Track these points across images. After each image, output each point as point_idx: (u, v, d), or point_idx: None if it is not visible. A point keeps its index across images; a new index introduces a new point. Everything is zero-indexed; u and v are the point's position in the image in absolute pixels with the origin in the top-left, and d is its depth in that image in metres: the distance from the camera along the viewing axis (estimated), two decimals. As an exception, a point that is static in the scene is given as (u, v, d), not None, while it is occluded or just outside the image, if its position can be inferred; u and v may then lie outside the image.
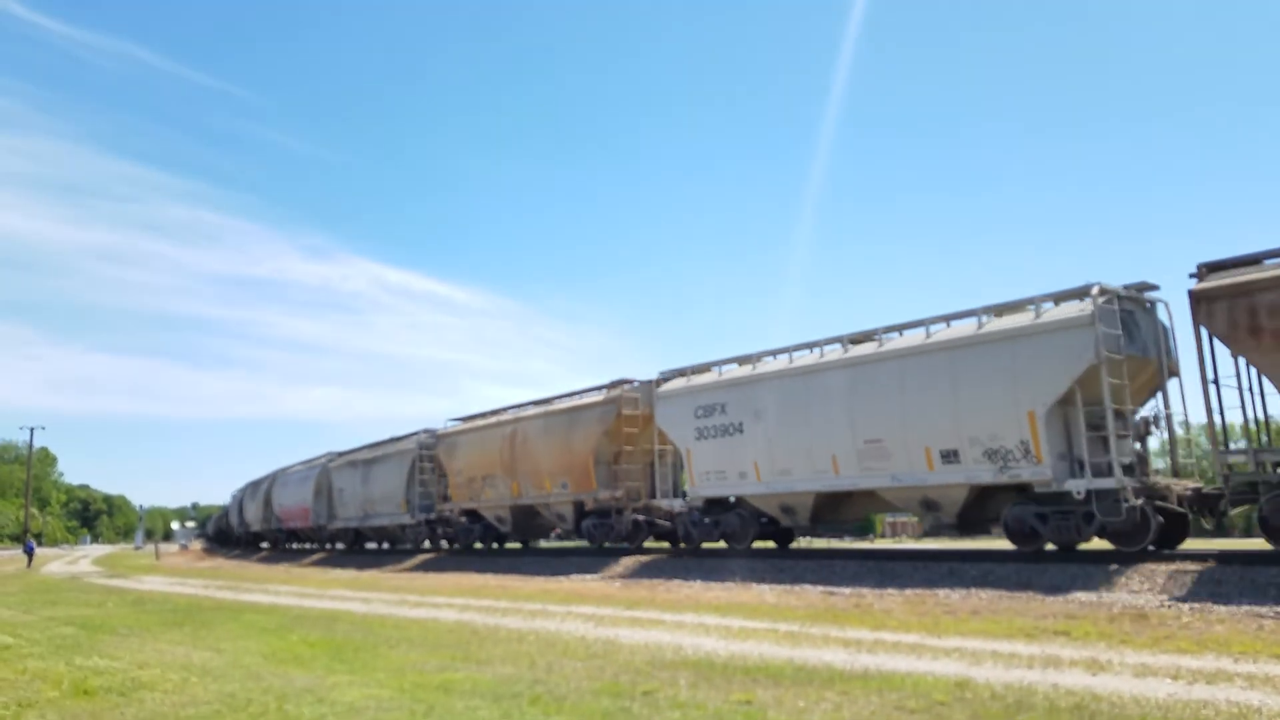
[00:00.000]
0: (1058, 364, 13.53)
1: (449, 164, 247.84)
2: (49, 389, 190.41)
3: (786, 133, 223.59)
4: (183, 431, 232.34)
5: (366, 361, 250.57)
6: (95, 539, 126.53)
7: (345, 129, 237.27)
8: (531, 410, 24.61)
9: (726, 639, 9.19)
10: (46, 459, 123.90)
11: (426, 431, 30.07)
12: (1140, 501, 13.08)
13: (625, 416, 21.00)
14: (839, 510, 17.62)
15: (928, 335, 15.41)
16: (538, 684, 6.95)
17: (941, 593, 12.47)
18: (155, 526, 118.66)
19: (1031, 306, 14.30)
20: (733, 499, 18.80)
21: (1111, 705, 5.61)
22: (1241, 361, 12.76)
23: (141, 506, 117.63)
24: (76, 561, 49.46)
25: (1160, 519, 13.11)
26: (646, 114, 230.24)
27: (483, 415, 27.37)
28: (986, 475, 14.39)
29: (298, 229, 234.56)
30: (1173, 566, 12.20)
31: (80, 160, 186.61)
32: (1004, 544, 15.63)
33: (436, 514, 28.89)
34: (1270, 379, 12.44)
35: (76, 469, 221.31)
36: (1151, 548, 13.30)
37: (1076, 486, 13.55)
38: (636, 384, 21.60)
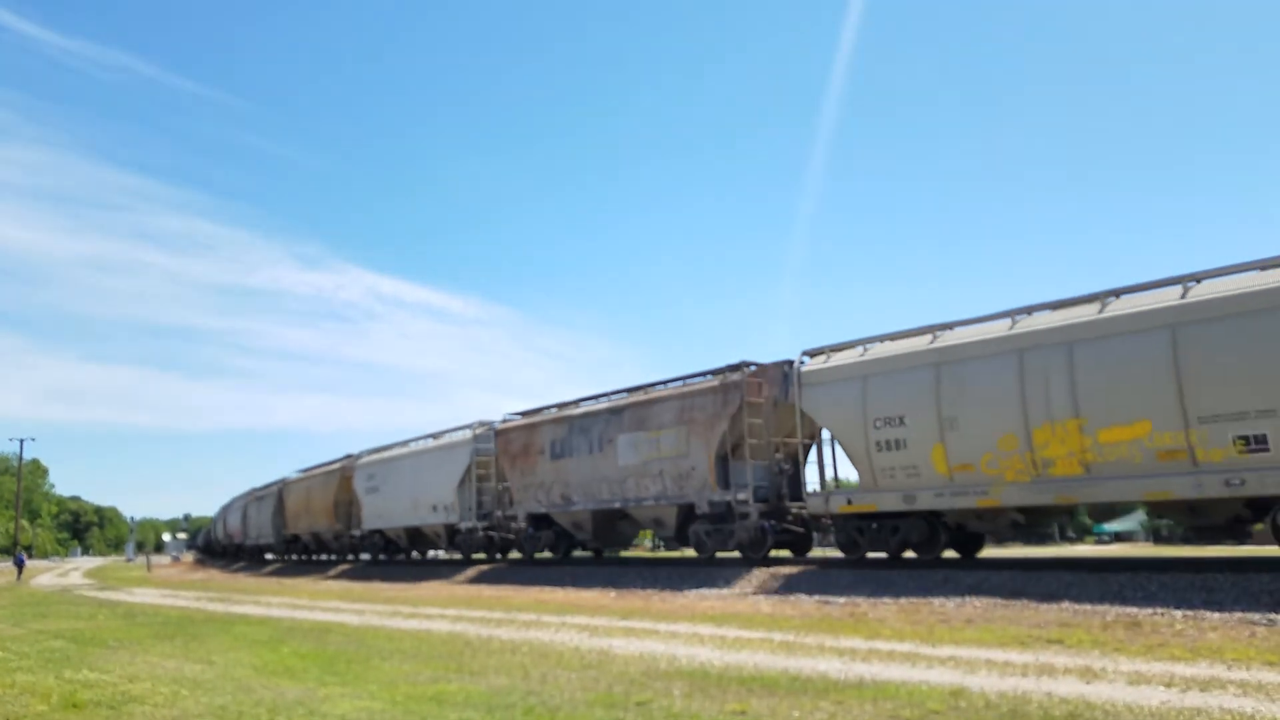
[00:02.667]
0: (458, 462, 27.09)
1: (444, 173, 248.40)
2: (40, 400, 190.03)
3: (786, 132, 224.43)
4: (175, 442, 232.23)
5: (361, 370, 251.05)
6: (86, 551, 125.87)
7: (340, 138, 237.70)
8: (317, 472, 39.34)
9: (721, 649, 9.17)
10: (37, 470, 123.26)
11: (283, 479, 43.57)
12: (484, 531, 26.43)
13: (345, 479, 34.99)
14: (419, 539, 31.10)
15: (436, 440, 29.31)
16: (531, 695, 6.92)
17: (936, 601, 12.46)
18: (146, 538, 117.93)
19: (461, 429, 27.96)
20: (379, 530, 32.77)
21: (1105, 713, 5.61)
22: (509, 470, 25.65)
23: (133, 518, 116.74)
24: (67, 574, 49.17)
25: (498, 540, 26.57)
26: (642, 118, 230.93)
27: (307, 470, 41.22)
28: (444, 519, 27.83)
29: (292, 238, 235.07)
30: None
31: (73, 170, 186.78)
32: (992, 553, 16.45)
33: (284, 537, 42.67)
34: (509, 480, 25.19)
35: (67, 481, 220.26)
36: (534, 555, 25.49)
37: (463, 524, 26.93)
38: (354, 457, 35.22)
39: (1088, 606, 11.10)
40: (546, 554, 24.72)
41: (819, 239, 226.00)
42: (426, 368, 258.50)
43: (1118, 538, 57.68)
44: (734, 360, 19.23)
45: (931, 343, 15.74)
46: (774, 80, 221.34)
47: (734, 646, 9.29)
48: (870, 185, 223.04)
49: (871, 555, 16.79)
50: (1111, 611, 10.56)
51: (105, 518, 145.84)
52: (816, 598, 13.84)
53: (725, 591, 16.02)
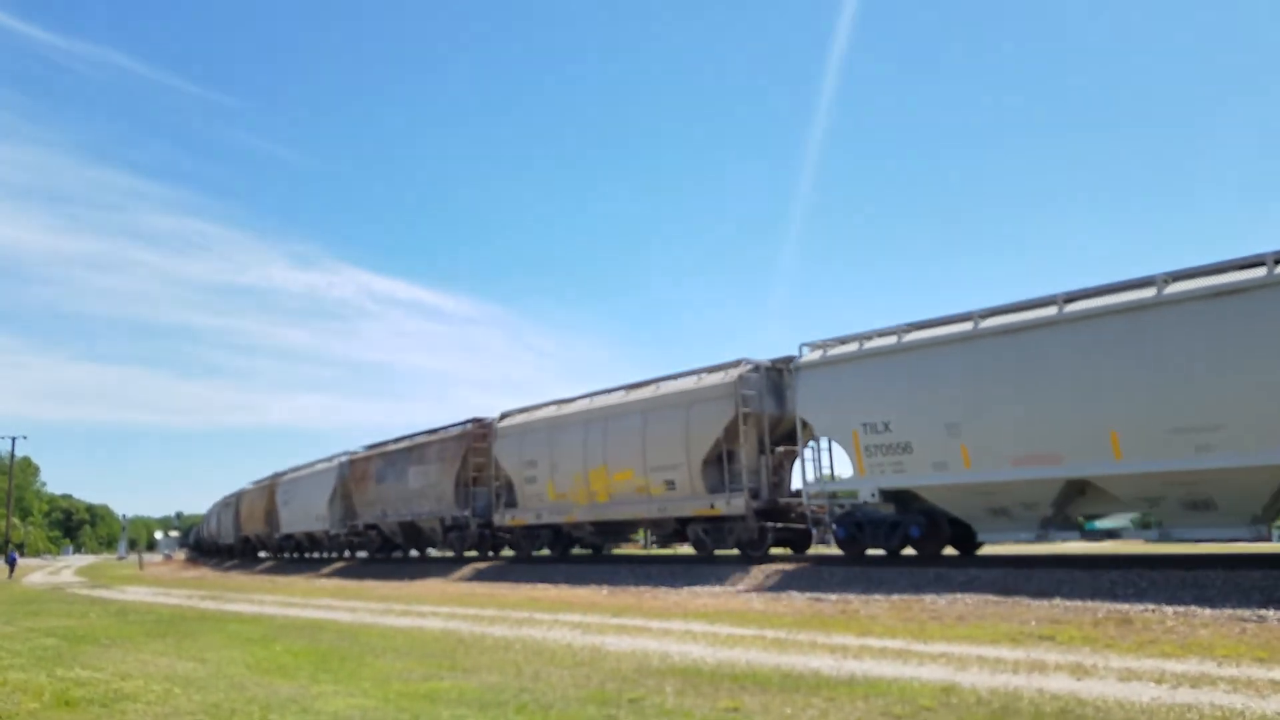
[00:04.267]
0: (330, 483, 34.94)
1: (437, 172, 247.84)
2: (32, 398, 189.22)
3: (777, 135, 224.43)
4: (167, 440, 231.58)
5: (354, 369, 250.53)
6: (78, 549, 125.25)
7: (333, 137, 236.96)
8: (258, 486, 47.02)
9: (713, 646, 9.18)
10: (29, 468, 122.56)
11: (240, 490, 51.70)
12: (345, 537, 34.41)
13: (271, 493, 43.03)
14: (313, 541, 38.82)
15: (321, 465, 37.30)
16: (524, 692, 6.92)
17: (928, 598, 12.49)
18: (139, 536, 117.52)
19: (333, 458, 36.05)
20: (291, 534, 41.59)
21: (1096, 710, 5.63)
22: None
23: (125, 516, 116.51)
24: (59, 572, 48.96)
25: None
26: (636, 120, 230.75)
27: (256, 482, 48.36)
28: (323, 527, 35.40)
29: (285, 237, 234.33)
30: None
31: (66, 169, 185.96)
32: (992, 550, 16.76)
33: (240, 537, 50.06)
34: (354, 498, 32.76)
35: (59, 478, 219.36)
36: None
37: (333, 531, 34.62)
38: (279, 475, 43.28)
39: (1079, 603, 11.14)
40: (440, 552, 31.61)
41: (813, 237, 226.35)
42: (420, 366, 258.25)
43: (1109, 535, 57.68)
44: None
45: (555, 412, 23.50)
46: (768, 79, 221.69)
47: (726, 644, 9.31)
48: (863, 181, 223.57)
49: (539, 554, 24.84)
50: (1103, 608, 10.60)
51: (97, 516, 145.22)
52: (808, 595, 13.87)
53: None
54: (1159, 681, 6.41)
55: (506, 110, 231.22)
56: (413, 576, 24.76)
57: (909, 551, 16.51)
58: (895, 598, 12.77)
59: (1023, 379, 13.67)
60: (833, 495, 16.98)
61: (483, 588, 19.73)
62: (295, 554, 42.62)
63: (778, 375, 18.57)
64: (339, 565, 33.74)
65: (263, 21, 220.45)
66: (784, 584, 15.34)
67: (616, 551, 26.35)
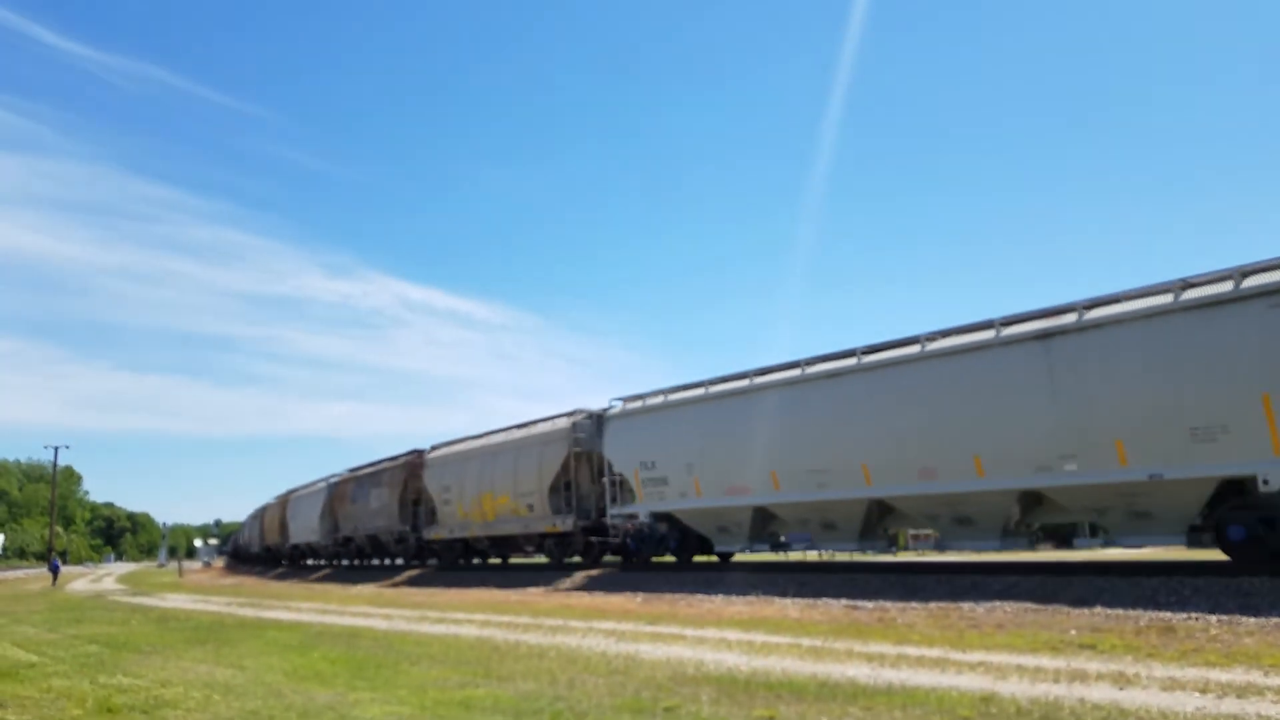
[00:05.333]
0: (319, 501, 40.39)
1: (468, 179, 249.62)
2: (74, 408, 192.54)
3: (800, 132, 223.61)
4: (206, 449, 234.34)
5: (387, 377, 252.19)
6: (119, 557, 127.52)
7: (366, 147, 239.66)
8: (276, 501, 52.74)
9: (749, 654, 9.13)
10: (71, 477, 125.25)
11: (264, 504, 57.11)
12: (332, 547, 40.26)
13: (284, 507, 48.85)
14: (312, 550, 44.28)
15: (324, 483, 41.49)
16: (559, 700, 6.93)
17: (965, 606, 12.33)
18: (178, 544, 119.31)
19: (324, 479, 42.19)
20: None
21: (1140, 720, 5.53)
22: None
23: (165, 524, 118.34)
24: (101, 579, 49.89)
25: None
26: (663, 123, 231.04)
27: (277, 497, 53.43)
28: (316, 538, 41.22)
29: (320, 247, 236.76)
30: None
31: (105, 182, 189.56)
32: (1031, 557, 16.65)
33: (264, 546, 54.97)
34: (337, 515, 39.09)
35: (101, 487, 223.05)
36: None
37: (322, 542, 40.97)
38: (290, 492, 49.21)
39: (1120, 611, 10.93)
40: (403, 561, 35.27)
41: (828, 242, 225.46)
42: (453, 374, 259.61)
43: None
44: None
45: (464, 447, 28.44)
46: (788, 84, 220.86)
47: (761, 652, 9.26)
48: (880, 179, 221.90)
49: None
50: (1145, 616, 10.39)
51: (138, 524, 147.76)
52: (844, 602, 13.75)
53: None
54: (1203, 691, 6.28)
55: (537, 118, 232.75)
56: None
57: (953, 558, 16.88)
58: (932, 605, 12.63)
59: (729, 431, 18.27)
60: (626, 517, 21.36)
61: (515, 594, 19.82)
62: (301, 561, 47.84)
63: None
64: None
65: (296, 33, 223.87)
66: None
67: (512, 561, 30.77)
